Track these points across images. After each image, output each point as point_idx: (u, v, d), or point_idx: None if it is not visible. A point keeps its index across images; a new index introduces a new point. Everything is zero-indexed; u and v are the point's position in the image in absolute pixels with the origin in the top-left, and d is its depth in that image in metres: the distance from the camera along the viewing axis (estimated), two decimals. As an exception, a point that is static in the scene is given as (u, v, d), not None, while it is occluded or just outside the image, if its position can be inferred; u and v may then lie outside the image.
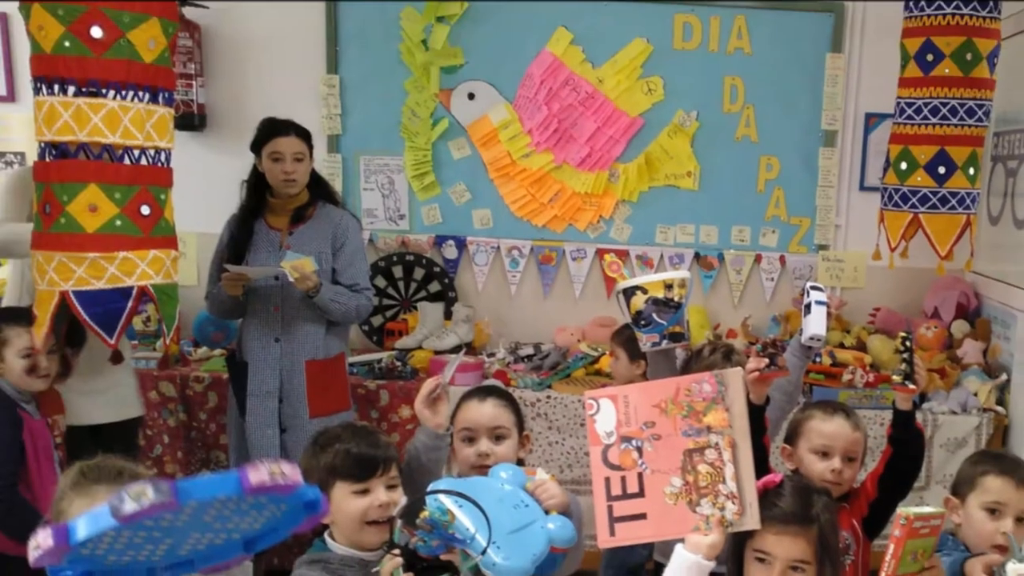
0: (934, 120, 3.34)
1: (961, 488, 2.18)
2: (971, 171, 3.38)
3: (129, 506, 1.15)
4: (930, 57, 3.32)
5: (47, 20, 2.35)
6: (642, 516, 1.82)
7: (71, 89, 2.38)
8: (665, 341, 2.61)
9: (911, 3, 3.38)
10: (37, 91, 2.43)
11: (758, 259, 4.42)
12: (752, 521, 1.77)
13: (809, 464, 2.29)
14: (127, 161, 2.46)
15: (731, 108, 4.35)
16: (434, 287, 4.43)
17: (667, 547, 1.83)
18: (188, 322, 4.08)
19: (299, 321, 3.33)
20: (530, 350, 4.23)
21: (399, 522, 1.73)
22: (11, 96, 4.40)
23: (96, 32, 2.36)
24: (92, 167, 2.41)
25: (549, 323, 4.42)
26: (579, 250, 4.43)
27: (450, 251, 4.44)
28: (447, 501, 1.70)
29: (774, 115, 4.34)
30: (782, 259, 4.43)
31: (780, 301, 4.44)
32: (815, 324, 2.53)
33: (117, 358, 2.94)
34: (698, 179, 4.39)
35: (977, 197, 3.47)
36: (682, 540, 1.78)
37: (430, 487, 1.78)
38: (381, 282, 4.36)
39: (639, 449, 1.84)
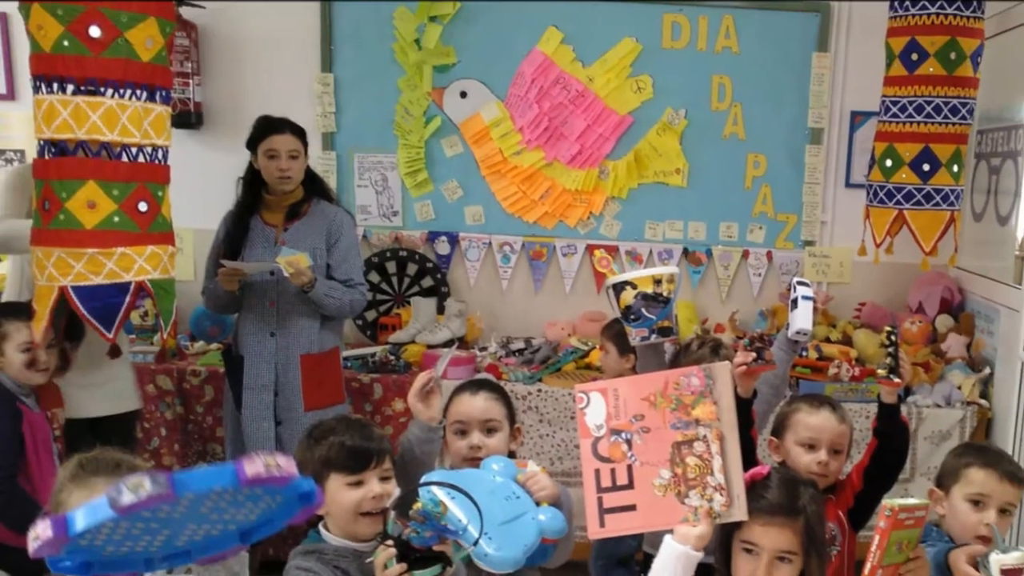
0: (919, 118, 3.38)
1: (945, 480, 2.20)
2: (955, 168, 3.43)
3: (127, 498, 1.16)
4: (915, 56, 3.36)
5: (46, 20, 2.38)
6: (631, 507, 1.83)
7: (70, 88, 2.41)
8: (654, 335, 2.64)
9: (896, 3, 3.41)
10: (36, 90, 2.46)
11: (745, 255, 4.44)
12: (740, 512, 1.79)
13: (796, 456, 2.31)
14: (125, 158, 2.49)
15: (719, 106, 4.36)
16: (427, 282, 4.45)
17: (656, 538, 1.84)
18: (185, 317, 4.11)
19: (294, 316, 3.35)
20: (521, 344, 4.24)
21: (392, 513, 1.74)
22: (11, 94, 4.41)
23: (94, 31, 2.39)
24: (90, 164, 2.44)
25: (540, 318, 4.44)
26: (569, 246, 4.45)
27: (443, 247, 4.46)
28: (440, 493, 1.72)
29: (761, 113, 4.35)
30: (769, 255, 4.45)
31: (767, 296, 4.46)
32: (801, 319, 2.56)
33: (115, 352, 2.95)
34: (686, 176, 4.40)
35: (961, 194, 3.51)
36: (671, 531, 1.79)
37: (423, 479, 1.80)
38: (375, 277, 4.37)
39: (628, 442, 1.85)
